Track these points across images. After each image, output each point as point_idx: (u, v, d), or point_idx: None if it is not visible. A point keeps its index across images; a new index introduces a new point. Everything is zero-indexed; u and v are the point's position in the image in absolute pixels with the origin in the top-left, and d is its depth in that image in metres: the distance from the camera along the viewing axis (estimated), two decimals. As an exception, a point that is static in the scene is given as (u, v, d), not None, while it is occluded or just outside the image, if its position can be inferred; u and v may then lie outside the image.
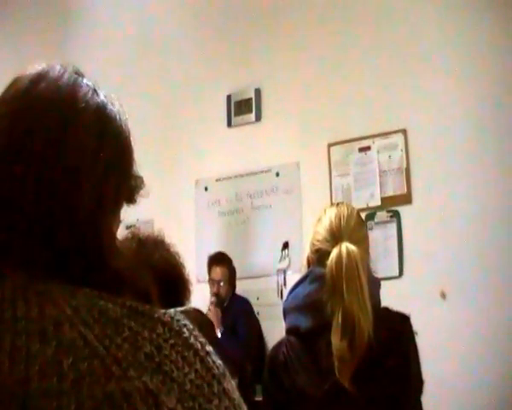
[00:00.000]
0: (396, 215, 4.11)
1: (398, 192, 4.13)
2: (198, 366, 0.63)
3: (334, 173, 4.36)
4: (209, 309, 4.11)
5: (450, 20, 4.11)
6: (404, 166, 4.13)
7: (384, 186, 4.18)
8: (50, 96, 0.71)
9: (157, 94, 5.08)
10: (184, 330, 0.65)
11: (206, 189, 4.86)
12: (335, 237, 1.64)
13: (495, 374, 3.59)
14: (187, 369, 0.62)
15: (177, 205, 4.87)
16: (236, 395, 0.65)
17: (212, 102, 4.86)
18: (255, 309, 4.35)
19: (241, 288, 4.38)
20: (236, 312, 4.21)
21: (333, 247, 1.61)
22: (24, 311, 0.61)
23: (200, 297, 3.76)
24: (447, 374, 3.57)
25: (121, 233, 1.10)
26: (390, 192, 4.16)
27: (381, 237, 4.07)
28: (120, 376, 0.58)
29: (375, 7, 4.37)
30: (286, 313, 1.71)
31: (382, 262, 3.87)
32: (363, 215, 3.10)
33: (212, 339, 0.74)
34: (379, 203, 4.18)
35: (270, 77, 4.68)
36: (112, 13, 5.47)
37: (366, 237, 1.78)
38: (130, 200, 0.79)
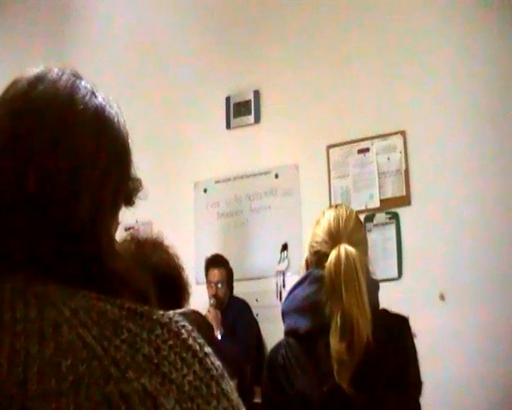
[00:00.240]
0: (395, 217, 4.12)
1: (397, 194, 4.14)
2: (196, 367, 0.63)
3: (332, 175, 4.36)
4: (208, 311, 4.11)
5: (449, 22, 4.12)
6: (403, 167, 4.14)
7: (383, 188, 4.18)
8: (49, 98, 0.72)
9: (156, 96, 5.08)
10: (183, 331, 0.65)
11: (205, 190, 4.86)
12: (334, 238, 1.64)
13: (494, 375, 3.59)
14: (185, 370, 0.62)
15: (176, 207, 4.87)
16: (235, 396, 0.65)
17: (211, 103, 4.86)
18: (254, 311, 4.34)
19: (240, 289, 4.37)
20: (235, 313, 4.21)
21: (331, 249, 1.61)
22: (23, 313, 0.61)
23: (199, 299, 3.76)
24: (446, 376, 3.58)
25: (120, 235, 1.10)
26: (389, 194, 4.17)
27: (379, 239, 4.08)
28: (119, 377, 0.58)
29: (374, 10, 4.37)
30: (285, 314, 1.71)
31: (381, 264, 3.87)
32: (361, 217, 3.11)
33: (211, 340, 0.73)
34: (378, 205, 4.18)
35: (269, 79, 4.69)
36: (111, 16, 5.47)
37: (365, 239, 1.79)
38: (129, 202, 0.79)
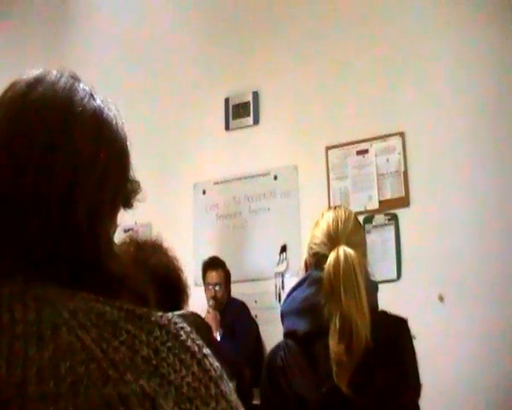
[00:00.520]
0: (394, 218, 4.12)
1: (396, 195, 4.14)
2: (195, 368, 0.63)
3: (331, 176, 4.36)
4: (208, 312, 4.12)
5: (448, 24, 4.12)
6: (402, 169, 4.14)
7: (382, 189, 4.18)
8: (47, 100, 0.72)
9: (155, 97, 5.08)
10: (182, 332, 0.65)
11: (204, 192, 4.86)
12: (333, 240, 1.64)
13: (493, 377, 3.58)
14: (184, 372, 0.62)
15: (175, 208, 4.86)
16: (234, 397, 0.65)
17: (210, 105, 4.86)
18: (253, 312, 4.34)
19: (239, 291, 4.37)
20: (233, 314, 4.21)
21: (330, 250, 1.61)
22: (21, 315, 0.61)
23: (198, 301, 3.76)
24: (445, 377, 3.57)
25: (119, 236, 1.10)
26: (388, 195, 4.17)
27: (378, 240, 4.08)
28: (117, 379, 0.59)
29: (372, 11, 4.38)
30: (284, 316, 1.71)
31: (380, 265, 3.87)
32: (360, 218, 3.11)
33: (210, 342, 0.74)
34: (377, 206, 4.18)
35: (268, 80, 4.69)
36: (110, 18, 5.47)
37: (364, 241, 1.79)
38: (127, 204, 0.79)
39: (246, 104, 4.76)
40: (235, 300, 4.33)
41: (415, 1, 4.28)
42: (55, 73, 0.75)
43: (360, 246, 1.68)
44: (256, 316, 4.37)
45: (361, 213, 3.99)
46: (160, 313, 0.66)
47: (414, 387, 1.60)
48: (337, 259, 1.57)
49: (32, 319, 0.61)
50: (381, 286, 1.73)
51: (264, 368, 1.71)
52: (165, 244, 1.76)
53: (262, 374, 1.71)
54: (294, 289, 1.70)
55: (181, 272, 1.76)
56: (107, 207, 0.73)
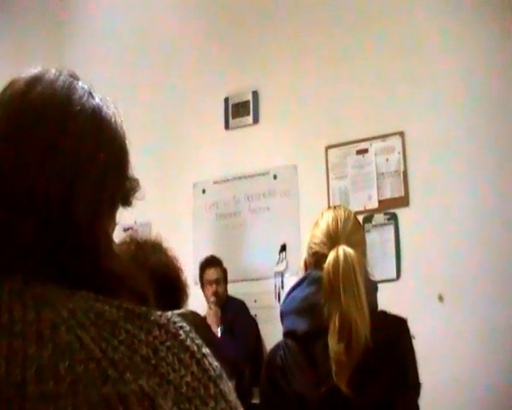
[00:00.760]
0: (393, 218, 4.12)
1: (396, 195, 4.14)
2: (194, 368, 0.63)
3: (331, 176, 4.36)
4: (210, 308, 4.13)
5: (448, 23, 4.12)
6: (402, 168, 4.14)
7: (381, 189, 4.18)
8: (46, 98, 0.72)
9: (155, 96, 5.08)
10: (181, 332, 0.65)
11: (203, 191, 4.86)
12: (332, 240, 1.64)
13: (493, 377, 3.58)
14: (183, 371, 0.62)
15: (174, 207, 4.86)
16: (233, 397, 0.65)
17: (209, 104, 4.86)
18: (253, 312, 4.34)
19: (239, 290, 4.37)
20: (233, 314, 4.21)
21: (330, 250, 1.61)
22: (21, 314, 0.61)
23: (198, 300, 3.76)
24: (445, 377, 3.57)
25: (119, 235, 1.10)
26: (387, 195, 4.17)
27: (378, 240, 4.07)
28: (116, 379, 0.58)
29: (373, 10, 4.37)
30: (283, 315, 1.71)
31: (380, 265, 3.87)
32: (360, 218, 3.11)
33: (209, 341, 0.73)
34: (376, 206, 4.18)
35: (267, 79, 4.69)
36: (110, 18, 5.47)
37: (363, 240, 1.79)
38: (126, 202, 0.79)
39: (245, 103, 4.75)
40: (234, 299, 4.33)
41: (415, 1, 4.28)
42: (53, 71, 0.75)
43: (360, 245, 1.68)
44: (255, 315, 4.37)
45: (360, 212, 3.99)
46: (159, 313, 0.66)
47: (413, 386, 1.60)
48: (337, 258, 1.57)
49: (31, 319, 0.61)
50: (380, 286, 1.73)
51: (263, 367, 1.71)
52: (165, 244, 1.77)
53: (262, 373, 1.71)
54: (294, 288, 1.70)
55: (180, 271, 1.76)
56: (106, 205, 0.73)
